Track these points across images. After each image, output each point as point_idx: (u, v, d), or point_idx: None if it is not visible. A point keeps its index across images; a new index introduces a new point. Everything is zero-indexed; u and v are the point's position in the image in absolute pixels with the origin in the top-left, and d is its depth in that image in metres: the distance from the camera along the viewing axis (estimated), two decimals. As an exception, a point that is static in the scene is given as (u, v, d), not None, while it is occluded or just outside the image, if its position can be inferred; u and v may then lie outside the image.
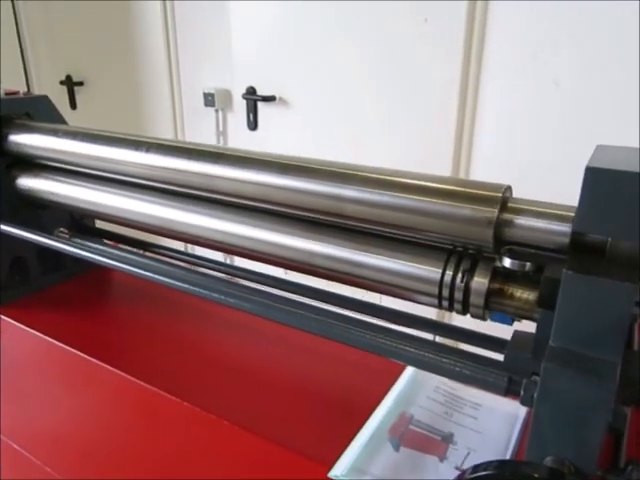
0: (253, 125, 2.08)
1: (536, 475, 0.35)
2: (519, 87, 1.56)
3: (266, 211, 0.65)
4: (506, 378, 0.50)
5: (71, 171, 0.86)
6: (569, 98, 1.49)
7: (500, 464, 0.37)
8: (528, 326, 0.54)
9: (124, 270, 0.83)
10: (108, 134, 0.80)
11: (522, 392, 0.47)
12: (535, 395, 0.44)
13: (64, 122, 0.99)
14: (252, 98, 2.02)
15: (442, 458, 0.62)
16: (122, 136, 0.79)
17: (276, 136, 2.03)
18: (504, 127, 1.62)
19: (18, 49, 2.68)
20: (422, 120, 1.73)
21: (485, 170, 1.64)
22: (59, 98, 2.63)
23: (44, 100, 1.00)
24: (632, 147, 0.48)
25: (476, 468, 0.37)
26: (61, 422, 0.93)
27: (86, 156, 0.81)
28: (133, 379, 0.76)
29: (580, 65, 1.47)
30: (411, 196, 0.53)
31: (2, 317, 0.93)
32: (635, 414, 0.48)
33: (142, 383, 0.75)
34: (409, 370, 0.77)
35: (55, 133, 0.86)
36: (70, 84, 2.60)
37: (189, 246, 2.10)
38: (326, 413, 0.71)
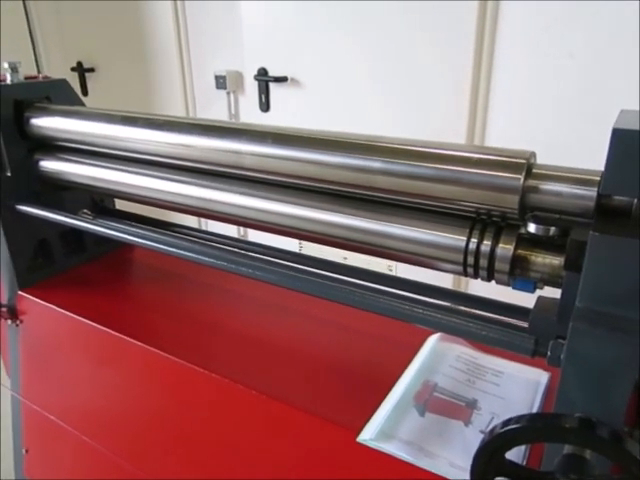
0: (265, 107, 2.08)
1: (567, 425, 0.36)
2: (534, 60, 1.54)
3: (291, 186, 0.66)
4: (533, 340, 0.51)
5: (92, 152, 0.88)
6: (584, 71, 1.48)
7: (532, 417, 0.38)
8: (549, 293, 0.55)
9: (148, 246, 0.84)
10: (127, 114, 0.81)
11: (549, 352, 0.48)
12: (562, 355, 0.45)
13: (83, 105, 1.00)
14: (264, 79, 2.02)
15: (467, 423, 0.63)
16: (141, 115, 0.80)
17: (288, 117, 2.03)
18: (519, 100, 1.61)
19: (28, 36, 2.68)
20: (436, 96, 1.73)
21: (500, 144, 1.63)
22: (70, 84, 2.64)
23: (63, 84, 1.01)
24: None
25: (507, 422, 0.38)
26: (89, 393, 0.95)
27: (106, 136, 0.83)
28: (158, 352, 0.78)
29: (595, 38, 1.45)
30: (439, 165, 0.53)
31: (29, 297, 0.96)
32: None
33: (168, 356, 0.77)
34: (430, 341, 0.79)
35: (75, 115, 0.88)
36: (81, 70, 2.61)
37: (203, 225, 2.12)
38: (352, 383, 0.73)
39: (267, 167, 0.65)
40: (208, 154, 0.71)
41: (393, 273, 1.43)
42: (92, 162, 0.89)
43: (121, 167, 0.86)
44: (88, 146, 0.87)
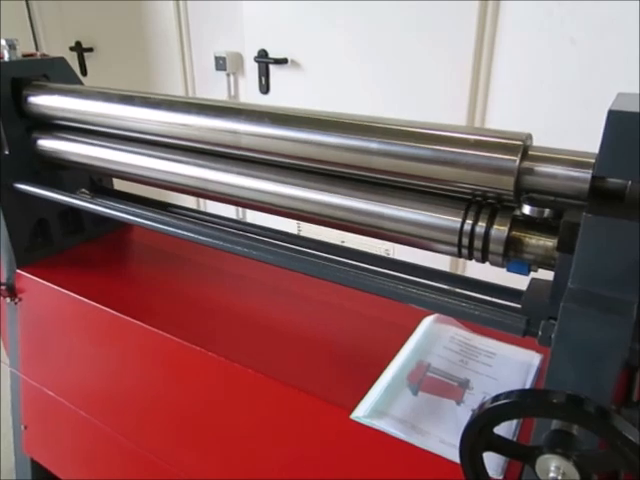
0: (265, 89, 2.07)
1: (555, 401, 0.37)
2: (535, 45, 1.53)
3: (289, 166, 0.66)
4: (524, 320, 0.52)
5: (90, 131, 0.88)
6: (585, 56, 1.47)
7: (521, 392, 0.39)
8: (542, 276, 0.56)
9: (145, 226, 0.85)
10: (126, 93, 0.81)
11: (540, 332, 0.49)
12: (553, 335, 0.46)
13: (81, 84, 1.00)
14: (264, 61, 2.00)
15: (459, 402, 0.65)
16: (138, 94, 0.80)
17: (288, 100, 2.02)
18: (520, 86, 1.60)
19: (26, 15, 2.65)
20: (437, 80, 1.72)
21: (500, 128, 1.62)
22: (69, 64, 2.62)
23: (61, 62, 1.00)
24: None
25: (497, 397, 0.39)
26: (86, 370, 0.97)
27: (104, 115, 0.82)
28: (157, 331, 0.79)
29: (596, 23, 1.44)
30: (435, 146, 0.54)
31: (27, 275, 0.96)
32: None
33: (167, 335, 0.78)
34: (425, 323, 0.79)
35: (73, 94, 0.87)
36: (80, 50, 2.58)
37: (201, 206, 2.11)
38: (346, 362, 0.74)
39: (264, 147, 0.65)
40: (205, 133, 0.71)
41: (390, 255, 1.44)
42: (90, 141, 0.89)
43: (119, 146, 0.86)
44: (86, 125, 0.87)
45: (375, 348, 0.77)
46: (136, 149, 0.84)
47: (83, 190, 0.99)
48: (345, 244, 0.83)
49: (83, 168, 0.93)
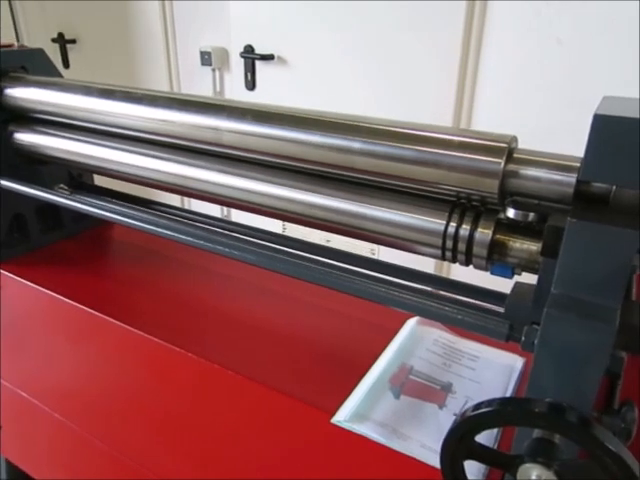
0: (251, 85, 2.05)
1: (537, 410, 0.36)
2: (522, 45, 1.54)
3: (270, 165, 0.65)
4: (507, 325, 0.51)
5: (69, 125, 0.85)
6: (572, 57, 1.48)
7: (502, 401, 0.38)
8: (527, 279, 0.55)
9: (125, 223, 0.83)
10: (107, 87, 0.79)
11: (523, 338, 0.48)
12: (536, 341, 0.45)
13: (60, 76, 0.97)
14: (250, 57, 1.98)
15: (441, 406, 0.64)
16: (121, 88, 0.78)
17: (275, 96, 2.00)
18: (507, 86, 1.60)
19: (7, 5, 2.60)
20: (423, 80, 1.71)
21: (486, 129, 1.63)
22: (51, 57, 2.57)
23: (40, 53, 0.98)
24: (638, 98, 0.48)
25: (478, 406, 0.39)
26: (64, 371, 0.94)
27: (84, 109, 0.80)
28: (136, 331, 0.77)
29: (583, 24, 1.45)
30: (419, 147, 0.53)
31: (3, 272, 0.94)
32: (630, 359, 0.49)
33: (145, 335, 0.76)
34: (408, 325, 0.79)
35: (52, 86, 0.85)
36: (62, 42, 2.54)
37: (186, 204, 2.09)
38: (328, 364, 0.73)
39: (245, 145, 0.64)
40: (186, 130, 0.69)
41: (375, 256, 1.44)
42: (68, 135, 0.87)
43: (98, 141, 0.84)
44: (65, 119, 0.85)
45: (358, 350, 0.76)
46: (116, 144, 0.82)
47: (61, 186, 0.97)
48: (330, 243, 0.82)
49: (61, 163, 0.90)
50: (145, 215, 0.84)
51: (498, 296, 0.64)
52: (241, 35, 2.00)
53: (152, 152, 0.77)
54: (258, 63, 2.00)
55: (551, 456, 0.39)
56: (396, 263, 0.71)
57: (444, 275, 1.76)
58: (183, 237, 0.75)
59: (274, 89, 2.01)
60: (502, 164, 0.49)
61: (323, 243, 0.79)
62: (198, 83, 2.21)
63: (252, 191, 0.66)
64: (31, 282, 0.90)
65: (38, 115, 0.88)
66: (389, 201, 0.57)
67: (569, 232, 0.43)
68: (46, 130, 0.89)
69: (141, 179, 0.80)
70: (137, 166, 0.79)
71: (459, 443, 0.40)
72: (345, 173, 0.58)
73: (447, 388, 0.67)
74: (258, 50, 1.97)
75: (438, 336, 0.77)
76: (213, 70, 2.14)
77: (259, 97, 2.06)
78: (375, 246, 1.84)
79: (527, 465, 0.39)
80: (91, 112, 0.80)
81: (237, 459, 0.74)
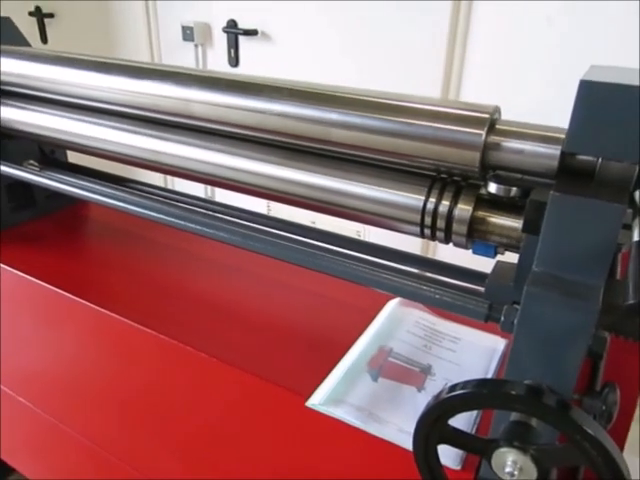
0: (235, 61, 1.99)
1: (514, 392, 0.34)
2: (511, 24, 1.50)
3: (247, 139, 0.62)
4: (487, 305, 0.49)
5: (37, 97, 0.81)
6: (561, 35, 1.45)
7: (479, 382, 0.36)
8: (510, 259, 0.53)
9: (98, 202, 0.80)
10: (78, 57, 0.75)
11: (502, 318, 0.46)
12: (515, 320, 0.43)
13: (29, 45, 0.93)
14: (233, 32, 1.92)
15: (420, 388, 0.62)
16: (93, 59, 0.74)
17: (259, 73, 1.95)
18: (495, 64, 1.57)
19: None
20: (411, 56, 1.67)
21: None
22: (28, 31, 2.47)
23: (6, 22, 0.93)
24: (627, 67, 0.46)
25: (453, 387, 0.37)
26: (36, 357, 0.91)
27: (51, 80, 0.76)
28: (109, 313, 0.75)
29: (572, 3, 1.42)
30: (396, 118, 0.50)
31: (-29, 252, 0.90)
32: (614, 340, 0.47)
33: (119, 317, 0.74)
34: (389, 306, 0.77)
35: (19, 56, 0.81)
36: (40, 16, 2.45)
37: (169, 184, 2.05)
38: (306, 347, 0.70)
39: (217, 116, 0.60)
40: (156, 101, 0.66)
41: (361, 237, 1.41)
42: (35, 108, 0.82)
43: (67, 114, 0.79)
44: (31, 91, 0.80)
45: (336, 332, 0.74)
46: (87, 118, 0.78)
47: (31, 162, 0.93)
48: (316, 224, 0.80)
49: (30, 137, 0.86)
50: (119, 193, 0.81)
51: (480, 276, 0.61)
52: (224, 9, 1.93)
53: (124, 126, 0.74)
54: (241, 39, 1.94)
55: (528, 440, 0.37)
56: (377, 243, 0.68)
57: (430, 256, 1.75)
58: (160, 216, 0.72)
59: (258, 65, 1.96)
60: (483, 136, 0.47)
61: (307, 223, 0.76)
62: (180, 59, 2.14)
63: (224, 166, 0.62)
64: (1, 263, 0.87)
65: (4, 87, 0.83)
66: (366, 176, 0.54)
67: (552, 206, 0.41)
68: (12, 103, 0.84)
69: (113, 154, 0.76)
70: (107, 140, 0.75)
71: (432, 427, 0.38)
72: (320, 146, 0.55)
73: (426, 370, 0.65)
74: (241, 25, 1.92)
75: (419, 317, 0.75)
76: (195, 46, 2.08)
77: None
78: (361, 227, 1.82)
79: (502, 450, 0.37)
80: (60, 83, 0.76)
81: (211, 444, 0.72)
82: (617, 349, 0.49)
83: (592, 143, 0.40)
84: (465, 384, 0.36)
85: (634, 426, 0.58)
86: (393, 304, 0.77)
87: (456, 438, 0.40)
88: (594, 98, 0.39)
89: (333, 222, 0.80)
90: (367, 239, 0.73)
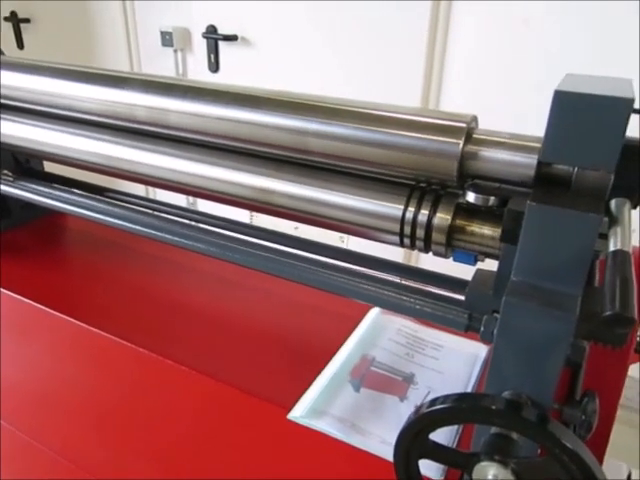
0: (215, 67, 1.98)
1: (493, 407, 0.34)
2: (489, 27, 1.52)
3: (224, 148, 0.61)
4: (466, 315, 0.49)
5: (12, 107, 0.80)
6: (539, 38, 1.46)
7: (458, 397, 0.36)
8: (491, 266, 0.53)
9: (74, 213, 0.78)
10: (54, 65, 0.73)
11: (482, 327, 0.46)
12: (495, 330, 0.43)
13: (1, 53, 0.91)
14: (213, 37, 1.91)
15: (402, 398, 0.62)
16: (69, 67, 0.72)
17: (239, 79, 1.94)
18: (473, 67, 1.58)
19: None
20: (391, 59, 1.68)
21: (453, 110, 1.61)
22: (4, 37, 2.45)
23: (-23, 29, 0.91)
24: (601, 76, 0.46)
25: (433, 402, 0.36)
26: (9, 372, 0.89)
27: (29, 90, 0.75)
28: (88, 327, 0.73)
29: (550, 5, 1.44)
30: (374, 127, 0.49)
31: (-57, 265, 0.88)
32: (593, 349, 0.47)
33: (98, 331, 0.72)
34: (371, 314, 0.76)
35: (-10, 64, 0.79)
36: (16, 21, 2.41)
37: (151, 194, 2.03)
38: (287, 358, 0.70)
39: (195, 126, 0.60)
40: (133, 110, 0.65)
41: (344, 244, 1.41)
42: (11, 118, 0.81)
43: (45, 124, 0.78)
44: (5, 100, 0.79)
45: (318, 341, 0.73)
46: (62, 128, 0.76)
47: (5, 172, 0.91)
48: (298, 231, 0.79)
49: (2, 147, 0.84)
50: (94, 203, 0.79)
51: (461, 283, 0.61)
52: (203, 15, 1.92)
53: (100, 135, 0.72)
54: (221, 44, 1.93)
55: (508, 453, 0.36)
56: (358, 251, 0.68)
57: (413, 263, 1.75)
58: (137, 227, 0.71)
59: (238, 71, 1.95)
60: (460, 145, 0.47)
61: (290, 229, 0.75)
62: (159, 65, 2.12)
63: (202, 176, 0.62)
64: (-27, 275, 0.84)
65: (-25, 95, 0.81)
66: (345, 185, 0.54)
67: (529, 216, 0.41)
68: (-17, 111, 0.82)
69: (89, 164, 0.74)
70: (83, 150, 0.73)
71: (413, 442, 0.38)
72: (299, 156, 0.55)
73: (409, 379, 0.65)
74: (221, 30, 1.90)
75: (401, 325, 0.75)
76: (175, 51, 2.06)
77: (223, 79, 1.99)
78: (344, 235, 1.82)
79: (483, 463, 0.37)
80: (34, 92, 0.74)
81: (191, 459, 0.71)
82: (596, 356, 0.49)
83: (567, 152, 0.41)
84: (445, 399, 0.36)
85: (621, 430, 0.58)
86: (375, 312, 0.77)
87: (437, 453, 0.39)
88: (569, 108, 0.39)
89: (314, 229, 0.80)
90: (350, 245, 0.72)
